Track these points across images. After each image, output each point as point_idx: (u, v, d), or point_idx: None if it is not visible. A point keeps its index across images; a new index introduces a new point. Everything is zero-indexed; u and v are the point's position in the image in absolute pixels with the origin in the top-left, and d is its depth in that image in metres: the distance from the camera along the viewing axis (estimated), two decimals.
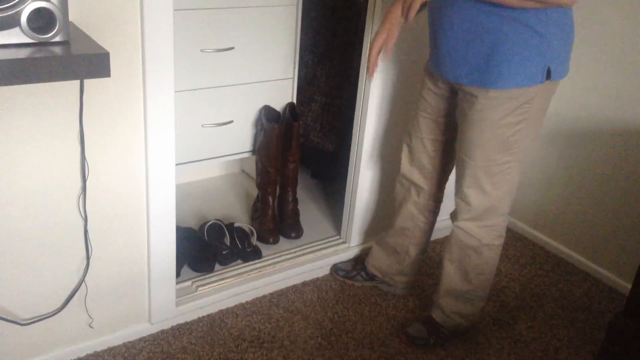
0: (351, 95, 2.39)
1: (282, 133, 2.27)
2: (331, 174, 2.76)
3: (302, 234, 2.38)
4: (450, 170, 1.98)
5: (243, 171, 2.93)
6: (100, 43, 1.37)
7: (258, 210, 2.40)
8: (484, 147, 1.70)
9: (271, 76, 2.32)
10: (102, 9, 1.47)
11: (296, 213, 2.44)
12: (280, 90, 2.37)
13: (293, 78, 2.38)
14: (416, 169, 1.97)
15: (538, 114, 1.68)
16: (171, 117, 1.69)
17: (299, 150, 2.38)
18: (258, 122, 2.31)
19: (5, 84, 1.19)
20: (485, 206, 1.78)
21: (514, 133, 1.67)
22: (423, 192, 2.00)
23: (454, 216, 1.88)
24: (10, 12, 1.19)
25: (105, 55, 1.25)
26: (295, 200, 2.45)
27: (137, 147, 1.67)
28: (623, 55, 2.17)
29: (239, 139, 2.36)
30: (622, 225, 2.30)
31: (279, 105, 2.38)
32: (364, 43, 2.13)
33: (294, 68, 2.36)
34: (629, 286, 1.88)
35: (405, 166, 1.99)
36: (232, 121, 2.30)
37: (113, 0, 1.48)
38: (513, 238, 2.65)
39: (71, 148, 1.55)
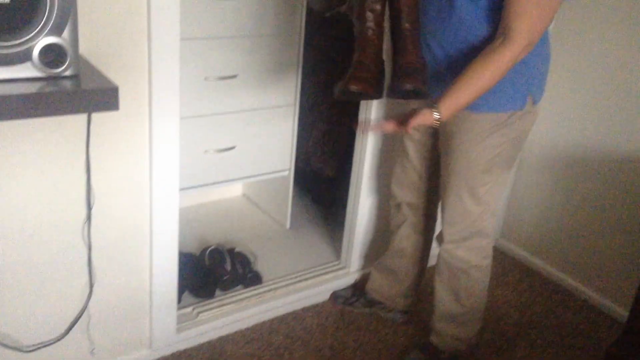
0: (351, 122, 2.42)
1: None
2: (331, 199, 2.78)
3: (426, 91, 1.55)
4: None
5: (244, 195, 2.95)
6: (107, 72, 1.40)
7: (354, 61, 1.58)
8: (467, 168, 1.73)
9: (273, 103, 2.35)
10: (111, 40, 1.50)
11: (418, 62, 1.55)
12: (282, 116, 2.40)
13: (295, 105, 2.42)
14: (408, 189, 2.00)
15: (519, 137, 1.72)
16: (176, 144, 1.72)
17: None
18: None
19: (16, 118, 1.22)
20: (470, 228, 1.81)
21: (496, 155, 1.70)
22: (417, 211, 2.02)
23: (440, 239, 1.90)
24: (24, 48, 1.21)
25: (115, 90, 1.28)
26: (417, 50, 1.55)
27: (141, 174, 1.69)
28: (617, 84, 2.21)
29: (241, 164, 2.38)
30: (618, 252, 2.32)
31: (281, 133, 2.41)
32: None
33: (296, 95, 2.40)
34: (626, 313, 1.90)
35: (397, 188, 2.02)
36: (234, 147, 2.33)
37: (122, 32, 1.51)
38: (510, 264, 2.67)
39: (77, 177, 1.57)
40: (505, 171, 1.76)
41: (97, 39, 1.47)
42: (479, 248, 1.85)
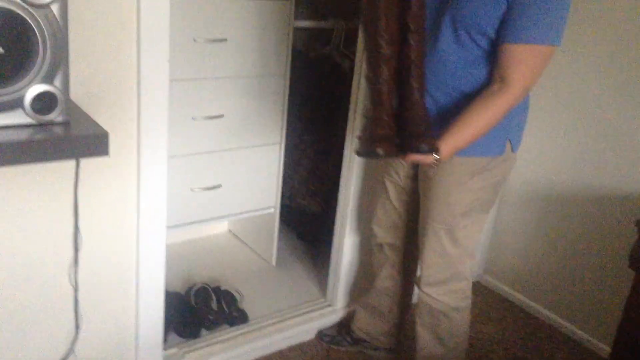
0: (336, 159, 2.45)
1: None
2: (317, 236, 2.80)
3: (437, 151, 1.52)
4: None
5: (230, 231, 2.96)
6: (97, 116, 1.42)
7: (368, 117, 1.58)
8: (446, 211, 1.75)
9: (259, 142, 2.39)
10: (101, 84, 1.52)
11: (426, 119, 1.55)
12: (268, 155, 2.43)
13: (280, 143, 2.45)
14: (389, 230, 2.02)
15: (498, 182, 1.75)
16: (164, 184, 1.73)
17: (423, 12, 1.52)
18: None
19: (6, 165, 1.23)
20: (449, 271, 1.83)
21: (475, 199, 1.73)
22: (399, 251, 2.04)
23: (418, 282, 1.92)
24: (15, 96, 1.23)
25: (105, 136, 1.29)
26: (422, 101, 1.55)
27: (129, 215, 1.70)
28: (592, 126, 2.27)
29: (228, 202, 2.40)
30: (598, 288, 2.35)
31: (267, 171, 2.43)
32: (349, 110, 2.20)
33: (282, 134, 2.44)
34: (609, 349, 1.93)
35: (378, 228, 2.03)
36: (220, 185, 2.35)
37: (111, 76, 1.53)
38: (495, 300, 2.70)
39: (65, 219, 1.58)
40: (484, 215, 1.79)
41: (87, 83, 1.49)
42: (458, 291, 1.87)
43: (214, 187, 2.33)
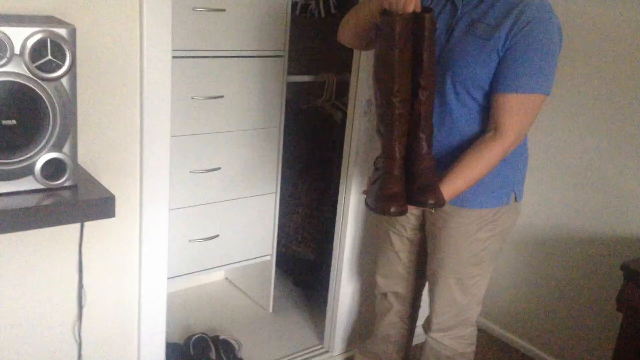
0: (330, 207, 2.52)
1: (409, 32, 1.50)
2: (313, 282, 2.84)
3: (443, 203, 1.57)
4: (426, 277, 2.08)
5: (227, 279, 3.00)
6: (102, 177, 1.48)
7: (379, 169, 1.62)
8: (456, 262, 1.81)
9: (255, 192, 2.45)
10: (105, 149, 1.59)
11: (432, 171, 1.59)
12: (264, 204, 2.50)
13: (275, 192, 2.51)
14: (394, 280, 2.06)
15: (504, 231, 1.81)
16: (165, 239, 1.79)
17: (434, 70, 1.56)
18: (368, 22, 1.65)
19: (17, 230, 1.28)
20: (457, 318, 1.88)
21: (483, 248, 1.79)
22: (403, 300, 2.08)
23: (427, 327, 1.96)
24: (27, 163, 1.30)
25: (111, 199, 1.36)
26: (430, 152, 1.60)
27: (131, 270, 1.75)
28: (582, 172, 2.35)
29: (225, 251, 2.45)
30: (589, 328, 2.40)
31: (263, 220, 2.49)
32: (343, 159, 2.28)
33: (277, 183, 2.50)
34: None
35: (382, 279, 2.07)
36: (218, 235, 2.40)
37: (115, 139, 1.60)
38: (489, 341, 2.73)
39: (69, 276, 1.63)
40: (492, 263, 1.84)
41: (92, 148, 1.56)
42: (465, 336, 1.91)
43: (212, 237, 2.39)
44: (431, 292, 1.91)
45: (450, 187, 1.59)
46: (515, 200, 1.77)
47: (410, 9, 1.48)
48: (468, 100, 1.64)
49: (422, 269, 2.02)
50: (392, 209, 1.53)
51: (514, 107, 1.57)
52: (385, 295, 2.10)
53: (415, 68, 1.53)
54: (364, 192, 1.67)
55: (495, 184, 1.69)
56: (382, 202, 1.54)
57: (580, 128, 2.33)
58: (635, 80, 2.14)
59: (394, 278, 2.05)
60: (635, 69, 2.14)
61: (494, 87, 1.59)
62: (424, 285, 2.10)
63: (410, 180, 1.57)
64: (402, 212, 1.55)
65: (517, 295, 2.67)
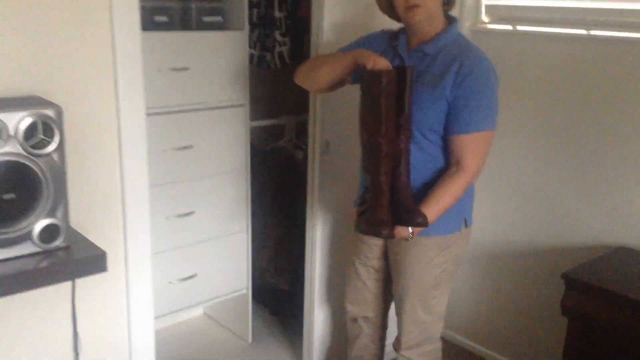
0: (299, 239, 2.70)
1: (394, 82, 1.73)
2: (289, 311, 2.99)
3: (428, 222, 1.78)
4: (392, 299, 2.26)
5: (205, 314, 3.13)
6: (90, 234, 1.62)
7: (367, 200, 1.86)
8: (418, 285, 2.00)
9: (228, 231, 2.62)
10: (91, 208, 1.75)
11: (412, 199, 1.82)
12: (237, 242, 2.66)
13: (247, 230, 2.68)
14: (362, 306, 2.22)
15: (458, 254, 2.03)
16: (149, 281, 1.94)
17: (411, 112, 1.80)
18: (356, 78, 1.87)
19: (18, 292, 1.42)
20: (423, 335, 2.08)
21: (442, 271, 2.00)
22: (372, 323, 2.26)
23: (397, 346, 2.14)
24: (25, 231, 1.45)
25: (103, 256, 1.51)
26: (409, 182, 1.84)
27: (120, 315, 1.89)
28: (528, 192, 2.57)
29: (202, 289, 2.60)
30: (541, 330, 2.59)
31: (237, 256, 2.65)
32: (308, 194, 2.46)
33: (247, 222, 2.67)
34: None
35: (351, 306, 2.23)
36: (196, 274, 2.56)
37: (100, 200, 1.76)
38: (453, 350, 2.91)
39: (64, 327, 1.76)
40: (450, 283, 2.06)
41: (80, 209, 1.71)
42: (432, 351, 2.11)
43: (190, 277, 2.54)
44: (398, 314, 2.10)
45: (429, 212, 1.80)
46: (466, 226, 2.00)
47: (384, 66, 1.73)
48: (422, 141, 1.86)
49: (387, 293, 2.20)
50: (385, 232, 1.77)
51: (469, 145, 1.81)
52: (355, 320, 2.26)
53: (398, 112, 1.77)
54: (355, 220, 1.91)
55: (448, 213, 1.89)
56: (374, 227, 1.79)
57: (521, 154, 2.56)
58: (564, 109, 2.39)
59: (362, 304, 2.21)
60: (564, 100, 2.38)
61: (448, 130, 1.83)
62: (389, 307, 2.27)
63: (395, 207, 1.80)
64: (391, 235, 1.79)
65: (476, 306, 2.88)
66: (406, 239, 1.85)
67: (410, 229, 1.81)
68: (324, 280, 2.51)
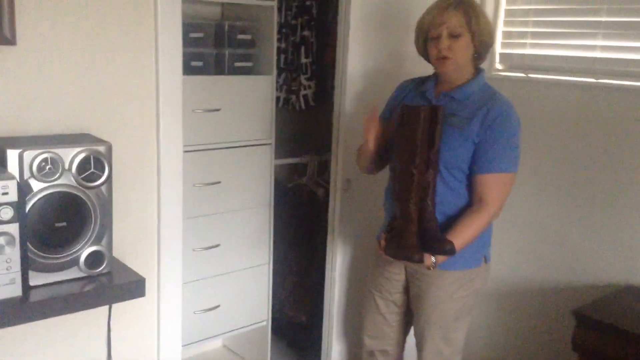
0: (318, 273, 2.80)
1: (429, 119, 1.89)
2: (306, 343, 3.07)
3: (455, 250, 1.87)
4: (409, 331, 2.33)
5: (224, 346, 3.22)
6: (128, 261, 1.74)
7: (396, 227, 1.96)
8: (440, 319, 2.09)
9: (251, 264, 2.73)
10: (130, 237, 1.88)
11: (438, 228, 1.93)
12: (259, 274, 2.77)
13: (269, 263, 2.79)
14: (380, 339, 2.29)
15: (478, 289, 2.13)
16: (179, 309, 2.05)
17: (439, 149, 1.93)
18: (387, 110, 2.10)
19: (65, 313, 1.55)
20: None
21: (462, 305, 2.09)
22: (389, 355, 2.32)
23: None
24: (73, 257, 1.58)
25: (142, 282, 1.64)
26: (435, 213, 1.95)
27: (150, 340, 2.00)
28: (540, 234, 2.66)
29: (224, 320, 2.70)
30: None
31: (258, 288, 2.75)
32: (328, 231, 2.58)
33: (269, 255, 2.78)
34: None
35: (369, 339, 2.29)
36: (219, 305, 2.66)
37: (137, 231, 1.89)
38: None
39: (98, 350, 1.87)
40: (469, 316, 2.15)
41: (120, 237, 1.83)
42: None
43: (214, 308, 2.64)
44: (419, 345, 2.18)
45: (454, 242, 1.90)
46: (485, 262, 2.10)
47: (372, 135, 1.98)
48: (448, 177, 1.99)
49: (406, 327, 2.28)
50: (416, 256, 1.89)
51: (493, 184, 1.95)
52: (372, 353, 2.32)
53: (429, 147, 1.91)
54: (382, 247, 1.99)
55: (469, 249, 1.99)
56: (405, 251, 1.91)
57: (533, 195, 2.66)
58: (574, 153, 2.49)
59: (381, 338, 2.28)
60: (573, 144, 2.49)
61: (474, 169, 1.96)
62: (405, 339, 2.35)
63: (422, 235, 1.92)
64: (422, 259, 1.90)
65: (492, 340, 2.94)
66: (428, 268, 1.95)
67: (433, 259, 1.91)
68: (341, 313, 2.60)
